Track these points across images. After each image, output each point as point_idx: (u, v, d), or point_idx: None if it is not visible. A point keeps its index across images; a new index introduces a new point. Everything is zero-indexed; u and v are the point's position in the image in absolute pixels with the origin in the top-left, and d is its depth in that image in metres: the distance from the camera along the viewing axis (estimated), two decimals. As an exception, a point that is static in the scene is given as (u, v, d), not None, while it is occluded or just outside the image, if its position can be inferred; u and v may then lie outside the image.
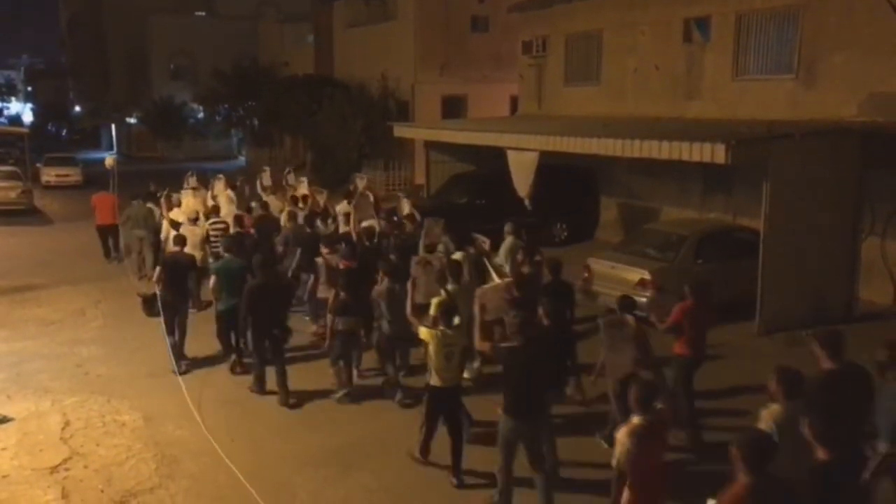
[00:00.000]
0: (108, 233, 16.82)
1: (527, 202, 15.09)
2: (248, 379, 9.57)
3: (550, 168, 15.18)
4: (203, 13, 51.42)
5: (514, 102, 22.95)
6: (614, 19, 17.38)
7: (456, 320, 7.50)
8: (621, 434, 5.14)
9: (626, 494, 5.11)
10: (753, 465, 4.19)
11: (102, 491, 7.05)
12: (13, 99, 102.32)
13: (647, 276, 11.39)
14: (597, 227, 18.04)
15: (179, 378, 9.51)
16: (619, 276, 11.74)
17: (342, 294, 8.81)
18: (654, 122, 15.27)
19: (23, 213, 23.82)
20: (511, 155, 15.17)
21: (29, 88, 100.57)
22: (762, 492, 4.11)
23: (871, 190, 11.88)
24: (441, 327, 7.08)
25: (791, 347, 10.75)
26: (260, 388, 9.25)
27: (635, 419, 5.16)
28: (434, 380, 7.09)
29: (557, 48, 19.30)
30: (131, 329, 11.75)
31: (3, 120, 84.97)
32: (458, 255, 9.93)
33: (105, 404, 8.99)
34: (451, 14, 25.36)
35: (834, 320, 11.42)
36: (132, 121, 52.69)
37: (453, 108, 25.60)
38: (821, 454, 4.51)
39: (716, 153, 10.62)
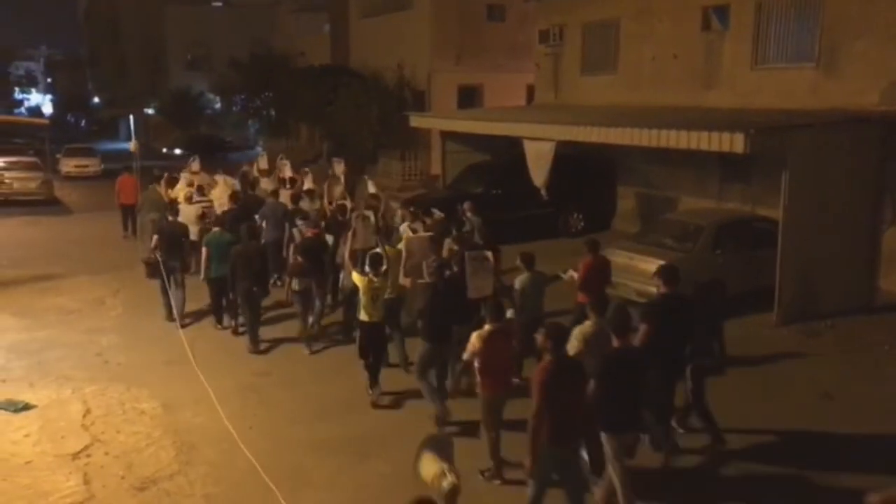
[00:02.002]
0: (129, 212, 18.09)
1: (543, 192, 15.05)
2: (261, 370, 9.81)
3: (567, 158, 15.11)
4: (219, 3, 51.53)
5: (531, 92, 22.83)
6: (632, 7, 17.22)
7: (383, 268, 8.91)
8: (474, 337, 6.83)
9: (478, 381, 6.87)
10: (555, 348, 5.86)
11: (123, 477, 7.15)
12: (33, 90, 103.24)
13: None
14: (613, 217, 17.95)
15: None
16: (637, 267, 11.67)
17: (299, 259, 10.51)
18: (672, 111, 15.15)
19: (43, 204, 24.04)
20: (527, 144, 15.12)
21: (49, 80, 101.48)
22: (561, 365, 5.83)
23: (892, 179, 11.74)
24: (370, 274, 8.58)
25: (809, 338, 10.69)
26: (252, 346, 10.43)
27: (487, 327, 6.83)
28: (363, 316, 8.65)
29: (574, 37, 19.15)
30: (150, 318, 11.87)
31: (23, 111, 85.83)
32: (403, 226, 11.48)
33: (125, 392, 9.11)
34: (466, 3, 25.19)
35: (854, 311, 11.35)
36: (150, 111, 53.00)
37: (469, 97, 25.49)
38: (615, 342, 6.17)
39: (734, 142, 10.53)
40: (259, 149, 36.87)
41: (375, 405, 8.62)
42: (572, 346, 6.64)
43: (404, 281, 9.32)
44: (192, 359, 9.96)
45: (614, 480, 6.13)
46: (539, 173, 14.93)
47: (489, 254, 8.96)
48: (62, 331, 11.46)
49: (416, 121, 20.61)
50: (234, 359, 10.26)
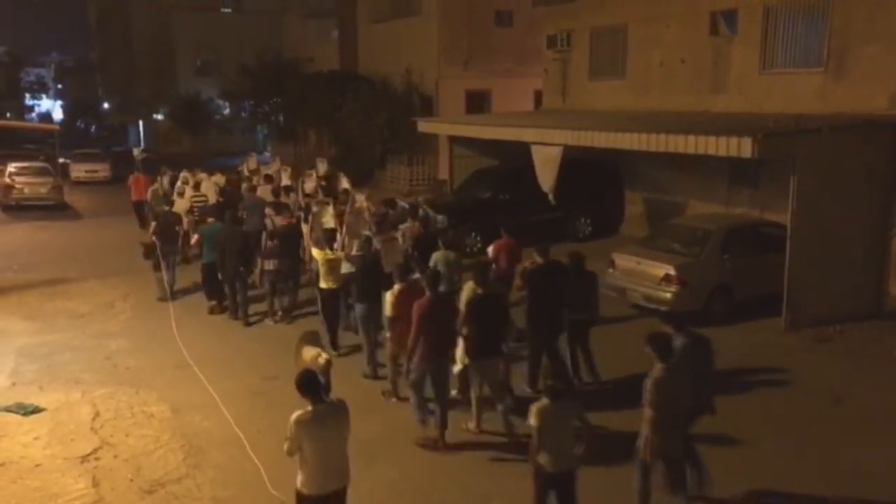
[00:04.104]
0: (141, 207, 19.35)
1: (551, 197, 15.05)
2: (269, 373, 9.77)
3: (575, 162, 15.12)
4: (228, 9, 51.72)
5: (539, 97, 22.84)
6: (639, 12, 17.23)
7: (337, 245, 10.93)
8: (389, 294, 8.40)
9: (393, 328, 8.39)
10: (431, 286, 7.76)
11: (132, 480, 7.18)
12: (44, 96, 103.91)
13: (672, 271, 11.31)
14: (622, 222, 17.93)
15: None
16: (645, 272, 11.67)
17: (270, 243, 11.96)
18: (680, 116, 15.14)
19: (53, 208, 24.19)
20: (535, 149, 15.13)
21: (59, 86, 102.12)
22: (435, 302, 7.66)
23: (901, 184, 11.69)
24: (326, 250, 10.58)
25: (818, 343, 10.64)
26: (233, 314, 12.03)
27: (396, 286, 8.37)
28: (322, 284, 10.54)
29: (582, 42, 19.18)
30: (159, 322, 11.93)
31: (34, 117, 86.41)
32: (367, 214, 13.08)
33: (133, 395, 9.15)
34: (474, 8, 25.28)
35: (863, 316, 11.30)
36: (159, 117, 53.24)
37: (477, 102, 25.53)
38: (479, 291, 8.00)
39: (742, 147, 10.52)
40: (267, 154, 37.16)
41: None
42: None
43: (340, 254, 10.69)
44: (200, 363, 10.02)
45: (475, 404, 7.96)
46: (547, 178, 14.93)
47: (398, 235, 11.41)
48: (72, 334, 11.53)
49: (423, 126, 20.66)
50: (242, 362, 10.29)
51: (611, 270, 12.32)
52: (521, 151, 15.73)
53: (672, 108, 16.16)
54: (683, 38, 16.13)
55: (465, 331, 7.79)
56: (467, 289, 8.38)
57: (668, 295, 11.31)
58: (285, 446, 5.40)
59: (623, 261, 12.22)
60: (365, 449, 7.73)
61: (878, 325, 11.16)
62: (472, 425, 8.01)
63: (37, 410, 8.70)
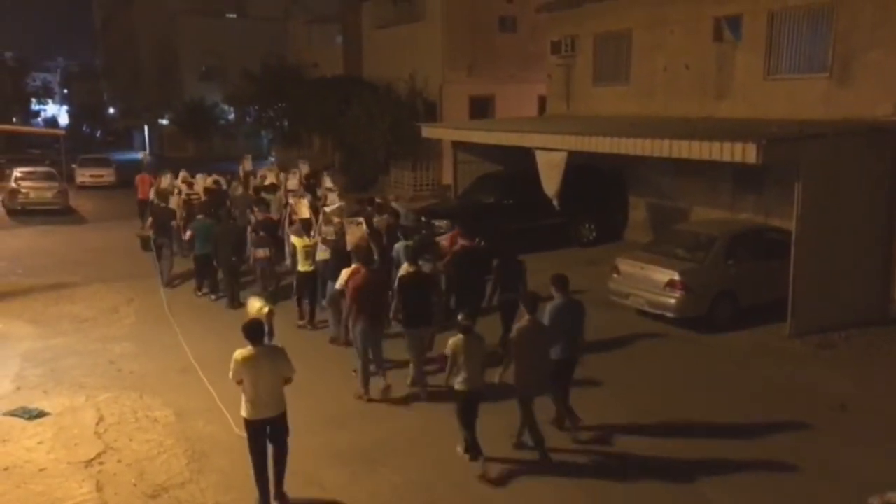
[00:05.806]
0: (146, 205, 19.56)
1: (555, 202, 15.04)
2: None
3: (579, 168, 15.11)
4: (233, 15, 51.90)
5: (543, 102, 22.85)
6: (644, 18, 17.24)
7: (313, 233, 12.23)
8: (344, 272, 9.60)
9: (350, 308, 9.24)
10: (365, 264, 9.26)
11: (135, 485, 7.19)
12: (50, 101, 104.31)
13: (676, 276, 11.29)
14: (626, 228, 17.92)
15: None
16: (649, 277, 11.65)
17: (257, 234, 13.34)
18: (684, 121, 15.13)
19: (58, 213, 24.29)
20: (539, 155, 15.12)
21: (65, 91, 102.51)
22: (369, 277, 9.02)
23: (906, 190, 11.66)
24: (304, 237, 11.90)
25: (823, 350, 10.61)
26: (230, 303, 13.05)
27: (353, 265, 9.53)
28: (300, 267, 11.85)
29: (586, 48, 19.18)
30: (163, 327, 11.95)
31: (40, 122, 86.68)
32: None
33: (137, 400, 9.16)
34: (478, 14, 25.30)
35: (868, 322, 11.27)
36: (164, 122, 53.41)
37: (481, 108, 25.54)
38: (404, 270, 9.46)
39: (747, 153, 10.50)
40: (271, 159, 37.24)
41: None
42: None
43: (315, 239, 11.91)
44: (203, 366, 10.01)
45: (413, 364, 9.23)
46: (551, 183, 14.92)
47: (361, 220, 12.30)
48: (76, 339, 11.55)
49: (427, 131, 20.66)
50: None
51: (615, 276, 12.30)
52: (525, 157, 15.73)
53: (676, 113, 16.15)
54: (687, 44, 16.13)
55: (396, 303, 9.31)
56: (402, 269, 9.65)
57: (672, 300, 11.29)
58: (230, 374, 6.65)
59: (627, 266, 12.20)
60: (367, 454, 7.75)
61: (882, 332, 11.12)
62: (382, 384, 9.21)
63: (41, 415, 8.71)
